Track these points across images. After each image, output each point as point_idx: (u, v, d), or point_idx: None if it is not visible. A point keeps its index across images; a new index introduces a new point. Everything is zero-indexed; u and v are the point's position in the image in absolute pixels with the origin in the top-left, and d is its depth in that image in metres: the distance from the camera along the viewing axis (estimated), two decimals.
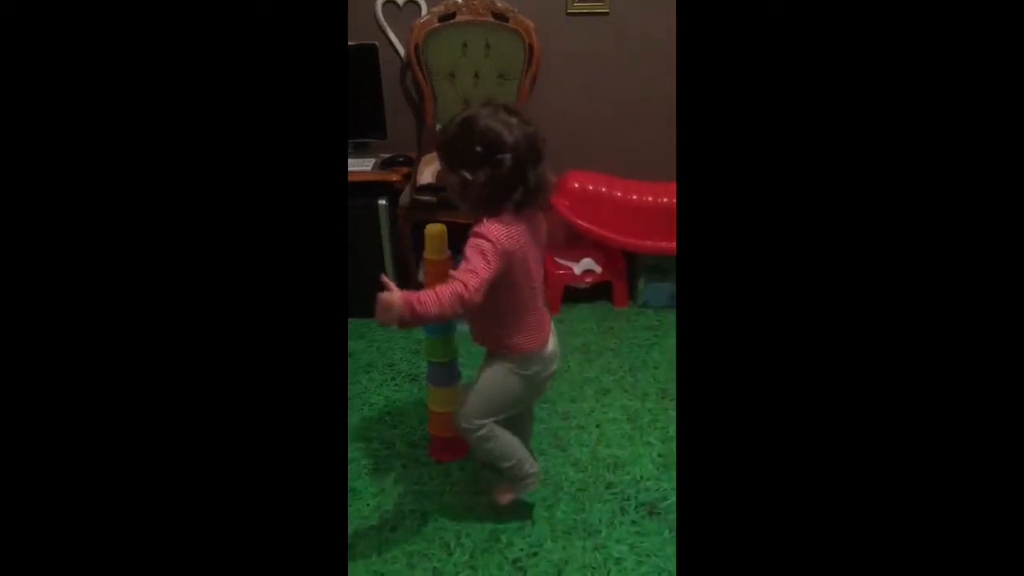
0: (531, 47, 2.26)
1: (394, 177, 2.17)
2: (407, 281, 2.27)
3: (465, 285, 1.08)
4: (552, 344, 1.29)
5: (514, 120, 1.12)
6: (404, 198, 2.12)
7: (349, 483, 1.53)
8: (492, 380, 1.27)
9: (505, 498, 1.37)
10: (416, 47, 2.27)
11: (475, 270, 1.09)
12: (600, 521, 1.39)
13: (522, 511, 1.42)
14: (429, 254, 1.47)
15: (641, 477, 1.52)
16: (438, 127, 2.21)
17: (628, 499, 1.45)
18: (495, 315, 1.21)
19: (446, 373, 1.53)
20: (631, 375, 1.92)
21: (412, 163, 2.26)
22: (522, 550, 1.33)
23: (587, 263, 2.28)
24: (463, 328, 1.96)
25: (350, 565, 1.31)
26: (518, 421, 1.40)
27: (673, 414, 1.73)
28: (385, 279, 1.11)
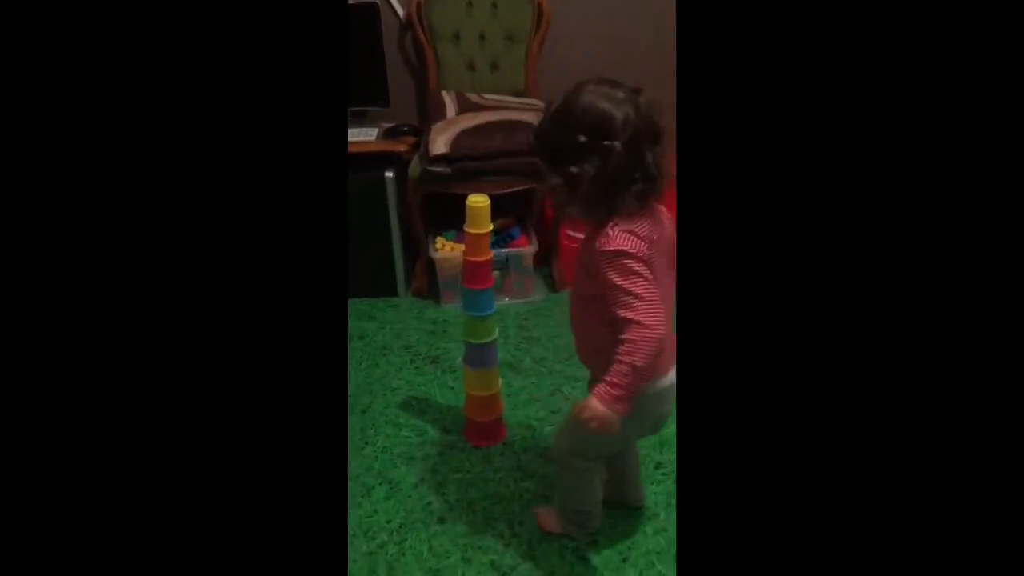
0: (540, 7, 2.14)
1: (401, 147, 2.04)
2: (417, 258, 2.16)
3: (641, 323, 0.91)
4: (672, 375, 1.05)
5: (620, 94, 0.94)
6: (414, 170, 1.99)
7: (385, 474, 1.44)
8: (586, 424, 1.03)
9: (547, 523, 1.26)
10: (418, 6, 2.12)
11: (638, 295, 0.92)
12: (657, 503, 1.34)
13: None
14: (471, 227, 1.37)
15: None
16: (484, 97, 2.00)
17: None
18: (608, 332, 0.97)
19: (485, 354, 1.45)
20: None
21: (418, 132, 2.13)
22: (583, 537, 1.27)
23: None
24: (502, 304, 1.87)
25: (401, 561, 1.23)
26: (622, 452, 1.25)
27: None
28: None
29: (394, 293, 2.15)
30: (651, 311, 0.92)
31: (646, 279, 0.93)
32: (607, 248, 0.94)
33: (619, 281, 0.93)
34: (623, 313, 0.93)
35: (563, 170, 0.95)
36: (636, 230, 0.95)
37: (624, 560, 1.22)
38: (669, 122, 0.91)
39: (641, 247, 0.94)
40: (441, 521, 1.32)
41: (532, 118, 1.90)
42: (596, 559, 1.23)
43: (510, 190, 1.96)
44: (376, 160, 2.02)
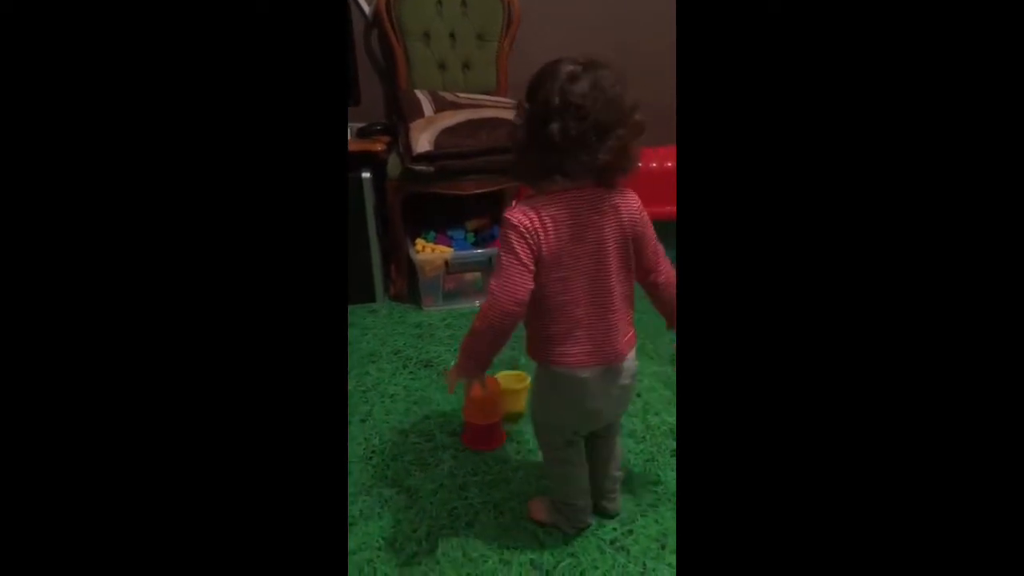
0: (510, 5, 2.14)
1: (378, 147, 1.98)
2: (398, 261, 2.09)
3: (493, 292, 0.98)
4: (600, 371, 1.06)
5: (582, 71, 0.94)
6: (393, 169, 1.93)
7: (400, 482, 1.37)
8: (534, 394, 1.16)
9: (538, 512, 1.25)
10: (387, 5, 2.07)
11: (503, 267, 0.98)
12: None
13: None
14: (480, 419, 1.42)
15: None
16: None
17: None
18: (533, 313, 1.04)
19: None
20: (651, 342, 1.89)
21: (391, 131, 2.07)
22: (615, 529, 1.26)
23: None
24: None
25: (437, 570, 1.17)
26: (597, 446, 1.23)
27: None
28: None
29: (372, 299, 2.07)
30: (506, 285, 0.97)
31: (516, 256, 0.97)
32: (504, 217, 1.00)
33: (500, 250, 1.00)
34: (491, 280, 1.01)
35: (513, 131, 1.03)
36: (540, 208, 0.98)
37: (663, 547, 1.22)
38: (644, 113, 0.98)
39: (531, 225, 0.97)
40: (470, 525, 1.27)
41: (511, 115, 1.89)
42: (636, 548, 1.21)
43: (492, 188, 1.94)
44: (352, 160, 1.95)
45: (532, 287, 0.99)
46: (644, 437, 1.50)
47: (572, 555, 1.20)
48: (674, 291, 1.09)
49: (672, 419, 1.56)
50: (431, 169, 1.86)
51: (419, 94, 2.07)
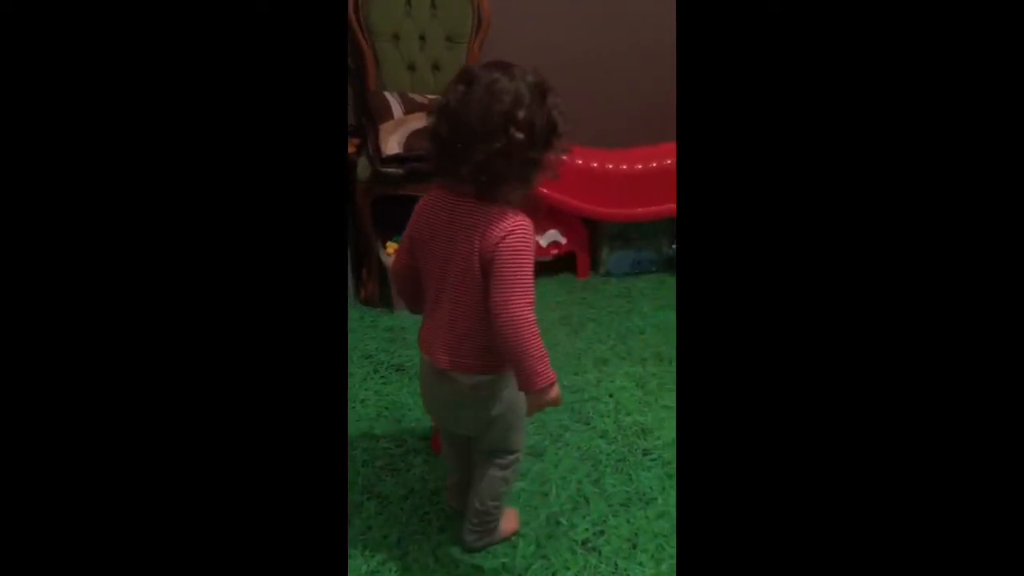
0: (480, 8, 2.13)
1: (350, 149, 1.95)
2: (368, 263, 2.06)
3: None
4: (432, 367, 1.05)
5: (478, 75, 0.92)
6: (363, 171, 1.91)
7: (372, 488, 1.35)
8: None
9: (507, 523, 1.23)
10: (355, 6, 2.05)
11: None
12: (652, 488, 1.36)
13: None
14: None
15: (672, 440, 1.50)
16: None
17: (670, 463, 1.43)
18: None
19: None
20: (622, 343, 1.90)
21: (360, 133, 2.05)
22: (587, 530, 1.26)
23: (552, 235, 2.22)
24: None
25: None
26: (472, 465, 1.19)
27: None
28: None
29: None
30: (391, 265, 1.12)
31: (402, 246, 1.07)
32: None
33: None
34: None
35: None
36: (418, 206, 1.04)
37: (633, 547, 1.22)
38: (569, 125, 0.95)
39: (416, 208, 1.03)
40: (442, 530, 1.26)
41: None
42: (607, 549, 1.22)
43: None
44: None
45: (405, 260, 1.07)
46: (616, 438, 1.51)
47: (544, 557, 1.20)
48: (504, 346, 0.95)
49: (643, 419, 1.57)
50: (401, 171, 1.85)
51: (388, 96, 2.05)
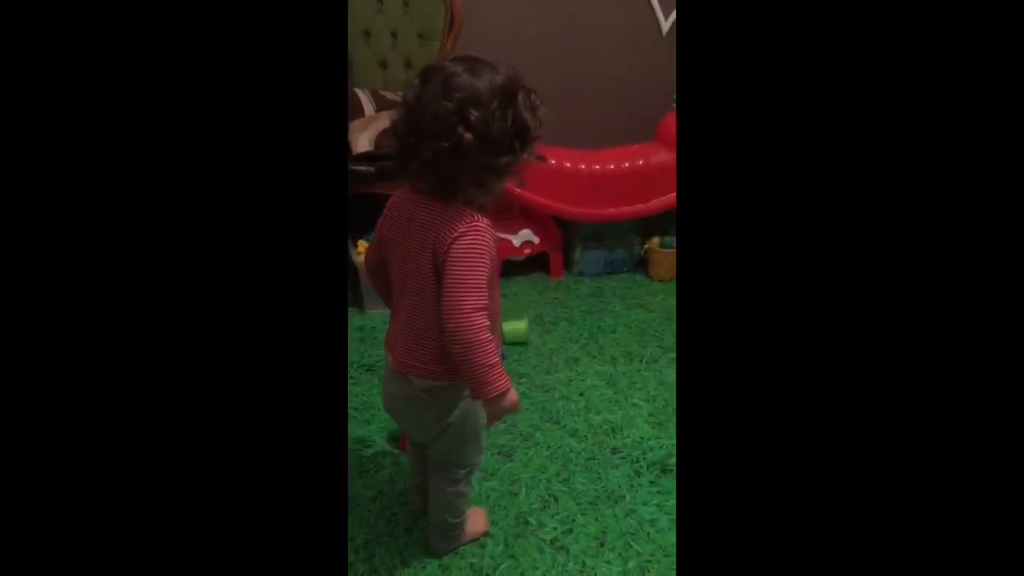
0: (452, 5, 2.12)
1: None
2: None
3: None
4: (391, 369, 1.04)
5: (439, 70, 0.89)
6: None
7: None
8: None
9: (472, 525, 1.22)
10: None
11: None
12: (620, 487, 1.36)
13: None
14: None
15: (641, 438, 1.51)
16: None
17: (638, 461, 1.44)
18: None
19: None
20: (594, 342, 1.91)
21: None
22: (555, 528, 1.26)
23: (525, 234, 2.22)
24: None
25: None
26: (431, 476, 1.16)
27: (647, 375, 1.75)
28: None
29: None
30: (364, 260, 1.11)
31: (372, 242, 1.06)
32: None
33: None
34: None
35: None
36: (388, 204, 1.02)
37: (601, 545, 1.23)
38: (545, 128, 0.94)
39: (388, 203, 1.01)
40: (409, 531, 1.25)
41: None
42: (575, 547, 1.22)
43: None
44: None
45: (375, 257, 1.06)
46: (586, 436, 1.52)
47: (512, 556, 1.20)
48: (453, 352, 0.91)
49: (613, 417, 1.58)
50: (371, 169, 1.83)
51: (360, 93, 2.04)
